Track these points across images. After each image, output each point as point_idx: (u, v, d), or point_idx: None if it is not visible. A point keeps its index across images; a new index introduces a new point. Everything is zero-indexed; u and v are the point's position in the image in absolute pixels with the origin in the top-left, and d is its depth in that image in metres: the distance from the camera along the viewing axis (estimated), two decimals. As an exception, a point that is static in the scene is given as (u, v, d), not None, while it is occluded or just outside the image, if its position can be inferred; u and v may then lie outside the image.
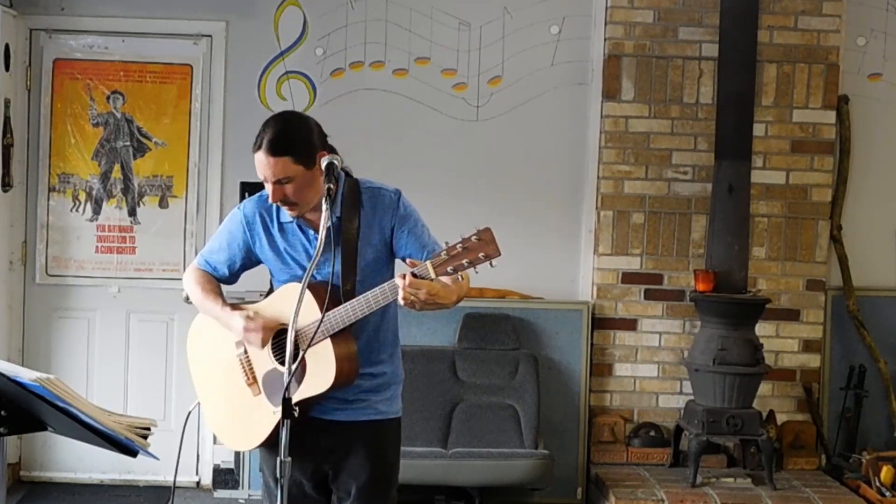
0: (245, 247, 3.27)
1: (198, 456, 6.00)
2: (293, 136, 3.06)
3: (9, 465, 5.74)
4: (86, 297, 5.98)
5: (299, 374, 3.06)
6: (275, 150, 3.03)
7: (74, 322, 5.98)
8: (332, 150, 3.16)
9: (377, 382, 3.22)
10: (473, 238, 2.80)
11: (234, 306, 3.25)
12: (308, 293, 2.95)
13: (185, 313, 5.96)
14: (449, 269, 2.82)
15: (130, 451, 2.45)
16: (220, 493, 5.81)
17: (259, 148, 3.07)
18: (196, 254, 5.88)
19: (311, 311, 2.98)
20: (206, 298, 3.28)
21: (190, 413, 3.32)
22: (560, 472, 5.62)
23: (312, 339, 2.97)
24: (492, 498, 5.49)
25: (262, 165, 3.07)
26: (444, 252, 2.84)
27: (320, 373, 3.06)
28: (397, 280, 2.88)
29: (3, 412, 2.49)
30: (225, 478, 5.86)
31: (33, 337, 5.98)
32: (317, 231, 3.10)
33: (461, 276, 2.94)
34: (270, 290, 3.30)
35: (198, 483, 6.00)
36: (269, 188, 3.09)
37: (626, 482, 5.49)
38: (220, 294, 3.30)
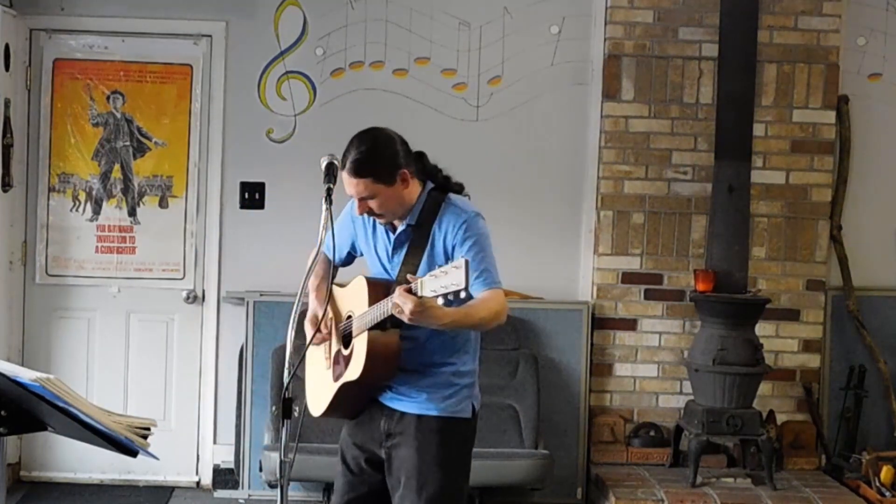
0: (350, 238, 3.51)
1: (198, 456, 6.00)
2: (375, 158, 3.21)
3: (9, 465, 5.74)
4: (86, 297, 5.98)
5: (347, 360, 3.30)
6: (357, 171, 3.20)
7: (74, 322, 5.97)
8: (419, 158, 3.36)
9: (436, 381, 3.32)
10: (453, 266, 2.89)
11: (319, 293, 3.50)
12: (366, 287, 3.25)
13: (186, 313, 5.98)
14: (429, 290, 2.92)
15: (130, 451, 2.45)
16: (220, 493, 5.81)
17: (343, 168, 3.24)
18: (196, 255, 5.96)
19: (364, 304, 3.23)
20: (309, 280, 3.39)
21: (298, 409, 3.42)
22: (560, 472, 5.62)
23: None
24: (492, 498, 5.49)
25: (346, 184, 3.25)
26: (431, 274, 2.94)
27: (355, 362, 3.25)
28: (397, 290, 3.00)
29: (3, 412, 2.49)
30: (225, 478, 5.86)
31: (33, 337, 5.98)
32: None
33: (486, 292, 3.13)
34: None
35: (198, 483, 6.00)
36: (355, 202, 3.28)
37: (626, 482, 5.49)
38: (320, 276, 3.51)
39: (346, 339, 3.34)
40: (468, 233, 3.23)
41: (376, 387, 3.33)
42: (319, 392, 3.46)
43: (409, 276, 3.02)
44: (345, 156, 3.23)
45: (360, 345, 3.23)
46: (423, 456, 3.30)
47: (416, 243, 3.27)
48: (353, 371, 3.25)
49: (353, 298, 3.28)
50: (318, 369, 3.53)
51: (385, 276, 3.34)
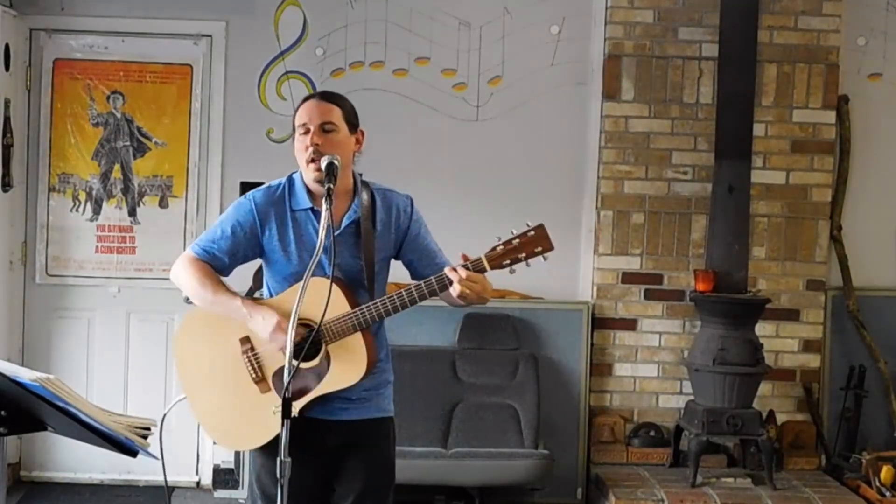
0: (252, 235, 3.20)
1: (198, 456, 6.01)
2: (344, 99, 3.23)
3: (9, 465, 5.74)
4: (86, 297, 5.98)
5: (321, 369, 3.09)
6: (330, 98, 3.21)
7: (74, 322, 5.97)
8: None
9: (377, 381, 3.25)
10: (529, 233, 2.91)
11: (255, 301, 3.20)
12: (338, 289, 3.03)
13: (185, 313, 5.97)
14: (505, 262, 2.93)
15: (130, 451, 2.45)
16: (220, 493, 5.82)
17: (311, 97, 3.23)
18: (196, 254, 5.93)
19: (337, 305, 3.01)
20: (215, 292, 3.17)
21: (166, 412, 3.16)
22: (560, 472, 5.62)
23: (310, 333, 2.98)
24: (492, 498, 5.48)
25: (309, 110, 3.18)
26: (501, 246, 2.93)
27: (350, 366, 3.08)
28: (450, 273, 2.96)
29: (3, 412, 2.49)
30: (225, 478, 5.86)
31: (33, 337, 5.98)
32: (335, 223, 3.10)
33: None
34: (253, 288, 3.31)
35: (198, 483, 6.00)
36: (305, 139, 3.14)
37: (626, 482, 5.49)
38: (229, 287, 3.22)
39: (305, 349, 2.94)
40: (417, 216, 3.27)
41: (329, 400, 3.13)
42: (252, 421, 3.14)
43: (462, 255, 3.00)
44: (311, 94, 3.29)
45: (349, 347, 3.06)
46: (380, 462, 3.25)
47: (367, 232, 3.16)
48: (348, 377, 3.07)
49: (311, 304, 2.90)
50: (233, 396, 3.18)
51: (320, 271, 2.97)
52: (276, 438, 2.84)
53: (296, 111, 3.23)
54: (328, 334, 3.07)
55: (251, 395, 3.17)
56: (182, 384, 3.30)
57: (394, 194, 3.27)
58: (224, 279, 3.27)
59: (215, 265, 3.23)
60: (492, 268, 2.96)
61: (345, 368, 3.08)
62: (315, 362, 3.09)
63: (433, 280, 3.02)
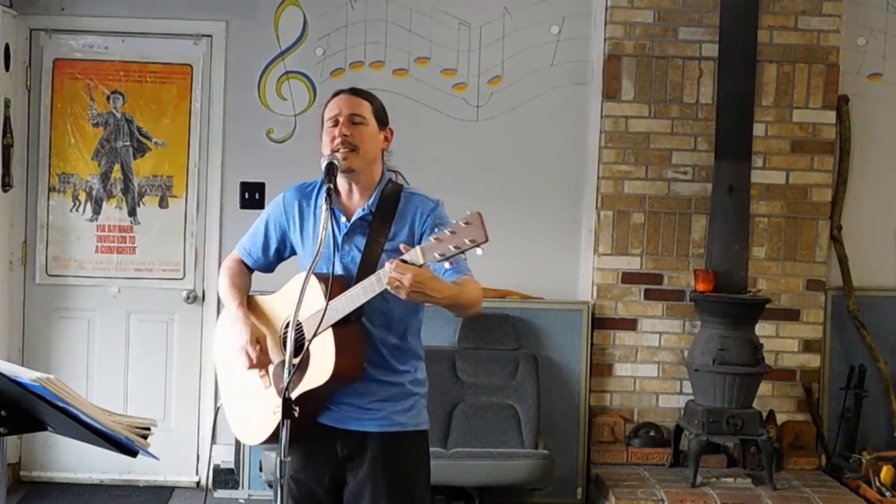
0: (280, 230, 3.27)
1: (198, 456, 6.00)
2: (374, 96, 3.22)
3: (9, 465, 5.73)
4: (86, 297, 5.98)
5: (303, 367, 3.00)
6: (359, 93, 3.19)
7: (74, 322, 5.97)
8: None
9: (395, 391, 3.14)
10: (461, 223, 2.74)
11: (250, 304, 3.24)
12: (319, 285, 2.96)
13: (186, 313, 5.98)
14: (436, 254, 2.76)
15: (130, 451, 2.45)
16: (220, 493, 5.81)
17: (341, 92, 3.20)
18: (196, 255, 5.95)
19: (320, 302, 2.93)
20: (228, 291, 3.29)
21: (218, 409, 3.31)
22: (560, 472, 5.61)
23: (317, 328, 2.92)
24: (492, 498, 5.48)
25: (339, 102, 3.16)
26: (433, 238, 2.79)
27: (320, 365, 2.99)
28: (387, 265, 2.83)
29: (3, 412, 2.48)
30: (225, 478, 5.85)
31: (33, 337, 5.97)
32: (348, 218, 3.13)
33: (463, 276, 2.95)
34: None
35: (198, 483, 6.00)
36: (333, 130, 3.10)
37: (626, 482, 5.49)
38: (242, 290, 3.29)
39: (296, 349, 2.92)
40: (438, 219, 3.10)
41: (338, 394, 3.09)
42: (256, 416, 3.15)
43: (402, 247, 2.85)
44: (340, 90, 3.21)
45: (321, 344, 2.96)
46: (390, 479, 3.10)
47: (377, 230, 3.08)
48: (320, 374, 2.98)
49: (294, 302, 2.87)
50: (248, 396, 3.20)
51: (326, 268, 3.02)
52: (294, 440, 2.82)
53: (325, 106, 3.20)
54: (307, 332, 2.98)
55: (259, 389, 3.18)
56: (219, 378, 3.39)
57: (419, 197, 3.17)
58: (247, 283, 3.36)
59: (256, 263, 3.35)
60: (425, 260, 2.79)
61: (316, 367, 2.99)
62: (299, 359, 3.00)
63: (380, 273, 2.88)
